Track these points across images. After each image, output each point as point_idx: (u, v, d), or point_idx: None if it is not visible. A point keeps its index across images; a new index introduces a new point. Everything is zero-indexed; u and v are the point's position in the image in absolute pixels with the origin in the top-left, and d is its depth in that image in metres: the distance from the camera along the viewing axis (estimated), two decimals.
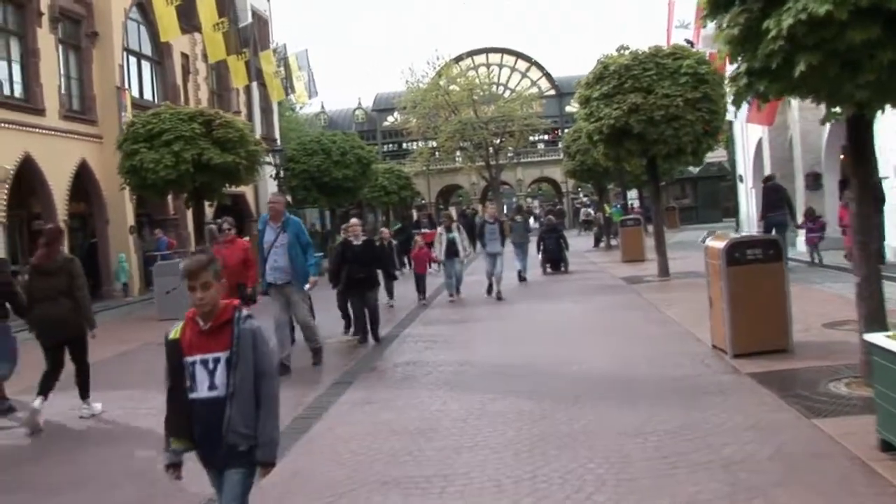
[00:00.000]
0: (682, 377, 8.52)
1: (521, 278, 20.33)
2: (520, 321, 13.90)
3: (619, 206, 45.49)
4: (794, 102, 22.04)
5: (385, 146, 74.88)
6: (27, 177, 22.05)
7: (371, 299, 12.69)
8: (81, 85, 25.12)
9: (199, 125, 18.92)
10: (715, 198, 50.83)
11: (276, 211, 10.89)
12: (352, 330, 13.42)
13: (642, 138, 17.09)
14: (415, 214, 47.84)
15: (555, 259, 22.63)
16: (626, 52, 18.08)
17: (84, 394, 9.04)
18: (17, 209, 22.61)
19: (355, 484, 5.96)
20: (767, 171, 25.04)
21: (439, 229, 18.07)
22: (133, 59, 28.26)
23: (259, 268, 11.10)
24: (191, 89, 32.66)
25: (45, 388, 8.74)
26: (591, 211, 61.51)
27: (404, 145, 71.64)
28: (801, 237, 19.97)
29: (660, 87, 16.86)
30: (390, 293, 16.92)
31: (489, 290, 17.55)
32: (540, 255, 22.84)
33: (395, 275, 15.73)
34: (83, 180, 24.56)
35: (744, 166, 29.37)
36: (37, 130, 22.05)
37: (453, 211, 68.92)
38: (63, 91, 23.88)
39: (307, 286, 10.98)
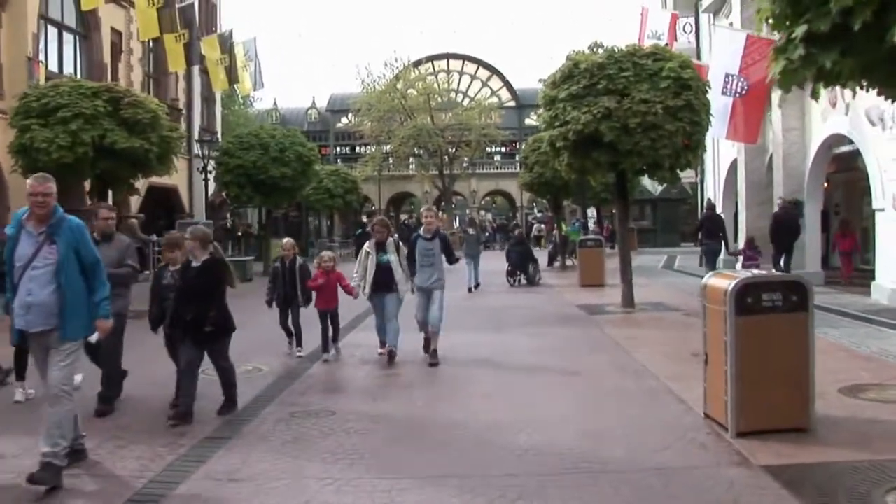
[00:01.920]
0: (673, 469, 6.16)
1: (470, 289, 21.23)
2: (455, 358, 11.38)
3: (577, 223, 43.51)
4: (777, 120, 20.04)
5: (338, 148, 72.31)
6: None
7: (217, 356, 8.35)
8: None
9: (105, 103, 16.37)
10: (674, 221, 49.04)
11: (42, 205, 6.24)
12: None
13: (613, 149, 14.85)
14: (366, 220, 45.41)
15: (517, 271, 23.43)
16: (600, 49, 15.85)
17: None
18: None
19: None
20: (742, 195, 23.08)
21: (366, 246, 11.61)
22: (53, 30, 25.44)
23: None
24: (122, 70, 29.82)
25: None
26: (542, 226, 59.68)
27: (357, 149, 69.07)
28: (738, 264, 20.54)
29: (637, 91, 14.62)
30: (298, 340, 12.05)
31: (426, 346, 11.35)
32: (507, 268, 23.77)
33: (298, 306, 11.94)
34: None
35: (714, 189, 27.36)
36: None
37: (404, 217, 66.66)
38: None
39: (92, 336, 6.76)
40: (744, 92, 17.52)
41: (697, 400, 7.77)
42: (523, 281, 23.36)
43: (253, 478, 6.24)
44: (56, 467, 6.01)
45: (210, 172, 26.49)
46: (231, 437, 7.47)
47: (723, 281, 6.97)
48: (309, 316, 12.02)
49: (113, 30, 28.84)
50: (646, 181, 46.09)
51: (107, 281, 6.64)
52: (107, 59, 27.64)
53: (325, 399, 9.09)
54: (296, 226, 36.77)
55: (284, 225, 37.54)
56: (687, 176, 34.52)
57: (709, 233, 20.26)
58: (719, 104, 17.21)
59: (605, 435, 7.13)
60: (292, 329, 12.03)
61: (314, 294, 11.71)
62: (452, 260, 11.62)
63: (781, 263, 18.86)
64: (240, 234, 37.57)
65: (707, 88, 15.61)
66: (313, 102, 74.27)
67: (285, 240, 12.78)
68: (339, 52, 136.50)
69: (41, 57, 23.85)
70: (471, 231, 24.86)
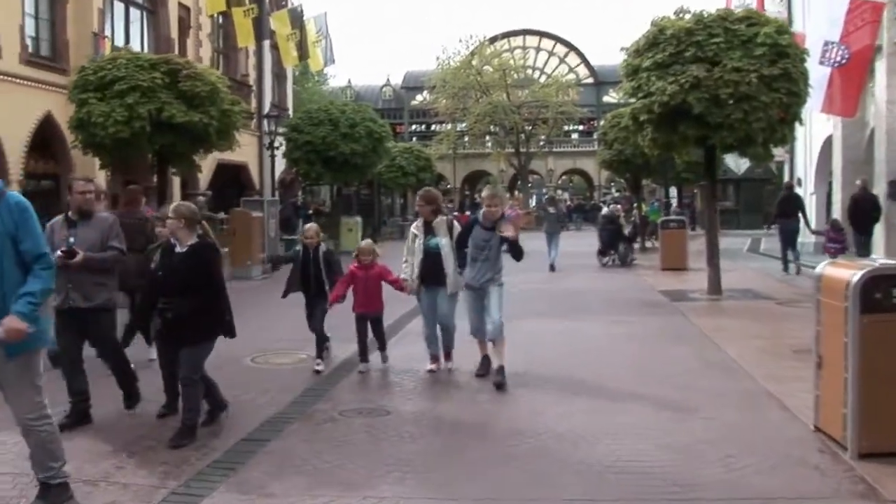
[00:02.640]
0: (781, 500, 5.11)
1: (553, 268, 21.03)
2: (525, 351, 10.12)
3: (656, 203, 41.98)
4: (880, 91, 18.43)
5: (413, 126, 71.57)
6: None
7: (187, 359, 6.67)
8: (52, 27, 21.86)
9: (163, 75, 15.65)
10: (758, 202, 47.00)
11: None
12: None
13: (702, 122, 13.63)
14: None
15: (609, 250, 22.88)
16: (687, 15, 14.58)
17: None
18: None
19: None
20: (837, 174, 21.52)
21: (413, 227, 9.41)
22: (119, 5, 25.02)
23: None
24: (190, 45, 29.37)
25: None
26: (617, 206, 57.82)
27: (433, 127, 68.15)
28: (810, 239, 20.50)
29: (729, 59, 13.37)
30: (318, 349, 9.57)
31: (483, 366, 8.86)
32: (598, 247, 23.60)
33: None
34: (48, 136, 21.37)
35: (805, 168, 25.73)
36: None
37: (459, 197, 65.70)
38: (28, 32, 20.67)
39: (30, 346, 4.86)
40: (844, 61, 16.06)
41: (804, 408, 6.70)
42: (616, 261, 22.85)
43: (287, 493, 5.38)
44: (58, 485, 5.05)
45: (278, 148, 25.79)
46: (270, 439, 6.65)
47: (843, 271, 5.85)
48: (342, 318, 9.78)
49: (181, 5, 28.35)
50: (728, 160, 44.25)
51: (47, 276, 4.84)
52: (174, 34, 27.15)
53: (380, 397, 8.21)
54: (367, 204, 36.04)
55: (356, 203, 36.82)
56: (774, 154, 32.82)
57: (785, 213, 19.64)
58: (816, 75, 15.76)
59: (696, 450, 6.09)
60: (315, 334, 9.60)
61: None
62: (519, 256, 8.53)
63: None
64: (311, 212, 36.99)
65: (805, 57, 14.25)
66: (388, 80, 73.61)
67: (308, 225, 10.67)
68: (415, 29, 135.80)
69: (107, 32, 23.46)
70: (551, 209, 24.14)
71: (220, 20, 32.17)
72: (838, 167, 21.42)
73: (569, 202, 62.11)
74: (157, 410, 7.26)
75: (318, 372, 9.18)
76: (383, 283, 9.34)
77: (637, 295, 15.65)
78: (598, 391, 8.05)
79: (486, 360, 8.82)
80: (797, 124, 14.59)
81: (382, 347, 9.67)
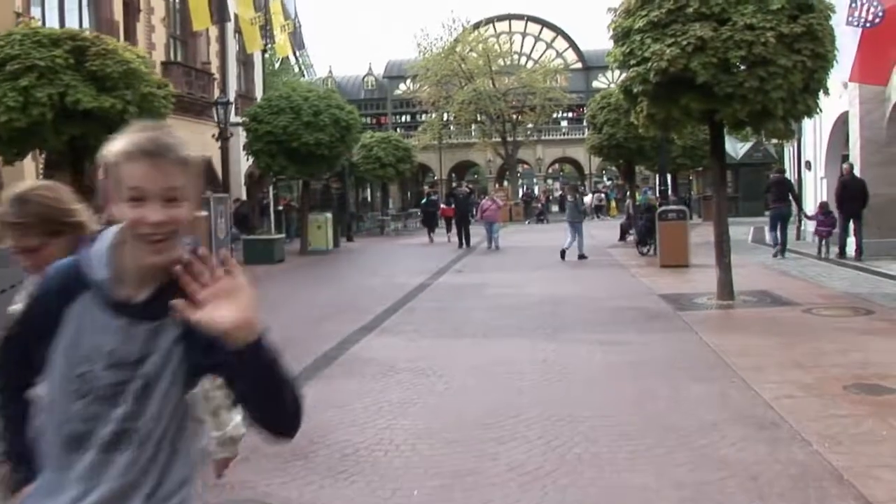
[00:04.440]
0: None
1: (582, 255, 20.94)
2: (495, 380, 8.05)
3: (648, 191, 39.58)
4: None
5: (396, 116, 69.07)
6: None
7: None
8: None
9: (66, 53, 13.18)
10: (758, 188, 44.53)
11: None
12: None
13: (708, 92, 11.21)
14: (428, 190, 42.05)
15: (647, 240, 21.70)
16: None
17: None
18: None
19: None
20: (856, 156, 19.11)
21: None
22: None
23: None
24: (141, 30, 26.89)
25: None
26: (603, 195, 55.57)
27: (418, 117, 65.63)
28: (811, 228, 20.69)
29: (739, 15, 10.94)
30: None
31: None
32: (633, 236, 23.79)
33: None
34: None
35: (815, 149, 23.31)
36: None
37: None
38: None
39: None
40: (877, 20, 13.61)
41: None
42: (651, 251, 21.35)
43: None
44: None
45: (228, 139, 23.32)
46: None
47: None
48: None
49: None
50: (726, 143, 41.67)
51: None
52: (118, 16, 24.62)
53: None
54: (339, 199, 33.53)
55: (326, 198, 34.33)
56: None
57: (776, 197, 20.08)
58: (843, 38, 13.31)
59: None
60: None
61: None
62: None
63: (851, 231, 17.81)
64: (279, 208, 34.57)
65: (831, 12, 11.81)
66: (370, 69, 71.13)
67: None
68: (397, 17, 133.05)
69: (35, 13, 20.97)
70: (569, 199, 23.46)
71: (177, 4, 29.68)
72: (856, 147, 19.00)
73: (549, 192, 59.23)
74: None
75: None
76: None
77: (635, 302, 13.16)
78: (590, 465, 5.60)
79: None
80: (828, 91, 12.10)
81: None
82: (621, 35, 12.04)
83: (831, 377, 7.48)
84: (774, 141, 31.51)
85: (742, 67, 10.89)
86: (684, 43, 10.92)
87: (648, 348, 9.32)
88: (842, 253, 17.94)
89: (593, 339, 9.99)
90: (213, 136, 22.08)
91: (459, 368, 8.64)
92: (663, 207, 19.64)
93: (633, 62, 11.63)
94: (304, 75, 71.33)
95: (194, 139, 24.00)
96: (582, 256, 20.94)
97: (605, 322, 11.37)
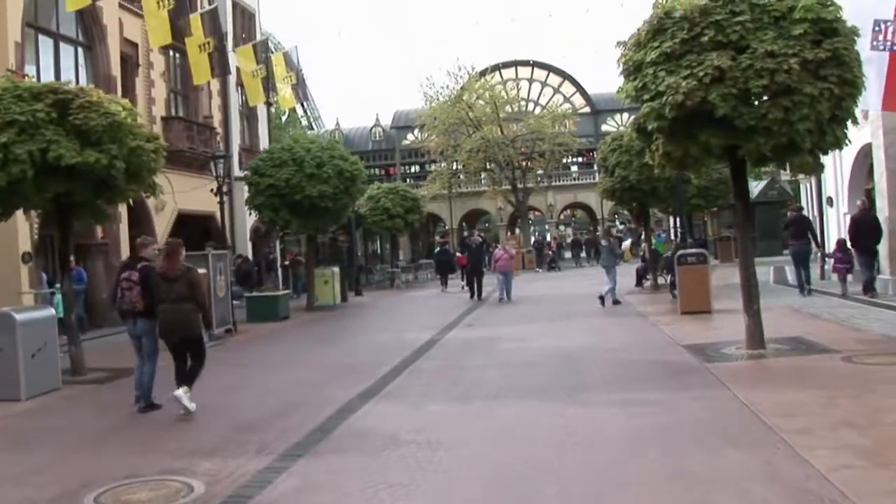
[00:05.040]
0: None
1: (616, 301, 20.74)
2: (498, 452, 7.15)
3: (663, 234, 38.70)
4: None
5: (405, 167, 68.65)
6: None
7: None
8: None
9: (48, 107, 12.48)
10: (773, 227, 43.57)
11: None
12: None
13: (729, 126, 10.41)
14: (440, 241, 41.30)
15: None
16: None
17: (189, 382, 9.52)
18: None
19: None
20: (882, 189, 18.27)
21: None
22: (47, 40, 22.07)
23: None
24: (140, 84, 26.45)
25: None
26: (610, 240, 54.16)
27: (426, 167, 65.19)
28: (829, 266, 20.84)
29: (759, 42, 10.16)
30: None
31: None
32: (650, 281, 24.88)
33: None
34: None
35: (836, 184, 22.46)
36: None
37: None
38: None
39: None
40: None
41: None
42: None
43: None
44: None
45: (226, 194, 22.60)
46: None
47: None
48: None
49: (126, 40, 25.47)
50: None
51: None
52: (115, 71, 24.13)
53: None
54: (346, 252, 32.78)
55: (334, 252, 33.59)
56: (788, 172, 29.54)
57: (795, 234, 20.11)
58: (866, 66, 12.49)
59: None
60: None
61: None
62: None
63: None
64: (286, 262, 33.80)
65: (856, 36, 11.01)
66: (377, 120, 70.95)
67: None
68: (405, 69, 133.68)
69: (30, 70, 20.46)
70: (603, 242, 23.22)
71: (177, 58, 29.25)
72: (882, 181, 18.15)
73: (555, 238, 58.17)
74: None
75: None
76: None
77: (657, 354, 12.23)
78: None
79: None
80: (857, 120, 11.25)
81: None
82: (632, 69, 11.28)
83: (890, 439, 6.55)
84: (787, 178, 30.50)
85: (765, 97, 10.08)
86: (701, 74, 10.13)
87: (678, 409, 8.38)
88: (865, 290, 17.45)
89: (615, 400, 9.04)
90: (212, 190, 21.29)
91: (468, 439, 7.73)
92: (681, 251, 18.74)
93: (646, 97, 10.82)
94: (312, 128, 71.38)
95: (196, 195, 23.39)
96: (616, 302, 20.67)
97: (626, 379, 10.43)
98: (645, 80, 10.83)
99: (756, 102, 10.23)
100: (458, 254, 34.99)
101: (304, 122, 72.53)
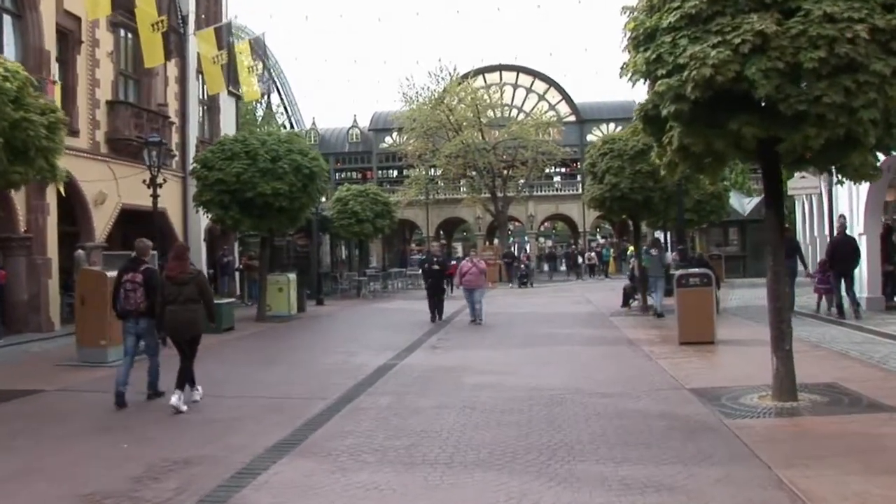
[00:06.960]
0: None
1: (660, 315, 20.09)
2: None
3: (653, 251, 36.22)
4: None
5: (382, 171, 66.00)
6: None
7: None
8: None
9: None
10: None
11: None
12: None
13: (770, 112, 7.95)
14: (414, 248, 38.73)
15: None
16: None
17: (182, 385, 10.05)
18: None
19: None
20: None
21: None
22: None
23: None
24: (82, 63, 23.73)
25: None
26: (592, 255, 52.10)
27: (404, 172, 62.64)
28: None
29: (814, 3, 7.72)
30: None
31: None
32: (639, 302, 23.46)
33: None
34: None
35: (851, 202, 20.10)
36: None
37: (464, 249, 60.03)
38: None
39: None
40: None
41: None
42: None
43: None
44: None
45: (161, 185, 19.93)
46: None
47: None
48: None
49: (67, 13, 22.80)
50: (732, 199, 38.46)
51: None
52: (49, 45, 21.41)
53: None
54: (303, 258, 30.16)
55: (298, 257, 30.94)
56: (801, 186, 27.20)
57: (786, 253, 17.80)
58: None
59: None
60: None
61: None
62: None
63: (843, 290, 17.88)
64: (240, 266, 31.09)
65: None
66: (355, 121, 68.31)
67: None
68: (384, 67, 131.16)
69: None
70: (653, 252, 21.90)
71: (129, 38, 26.58)
72: None
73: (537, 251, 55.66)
74: None
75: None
76: None
77: (660, 402, 9.65)
78: None
79: None
80: None
81: None
82: (643, 38, 8.78)
83: None
84: (797, 189, 27.87)
85: (822, 74, 7.60)
86: (737, 41, 7.66)
87: (700, 498, 5.85)
88: (840, 312, 17.74)
89: (612, 479, 6.47)
90: (144, 181, 18.63)
91: None
92: (682, 271, 16.28)
93: (661, 72, 8.30)
94: (293, 127, 68.66)
95: (146, 189, 20.46)
96: (659, 315, 20.15)
97: (624, 440, 7.86)
98: (660, 50, 8.35)
99: (808, 82, 7.75)
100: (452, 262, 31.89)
101: (284, 122, 69.92)
